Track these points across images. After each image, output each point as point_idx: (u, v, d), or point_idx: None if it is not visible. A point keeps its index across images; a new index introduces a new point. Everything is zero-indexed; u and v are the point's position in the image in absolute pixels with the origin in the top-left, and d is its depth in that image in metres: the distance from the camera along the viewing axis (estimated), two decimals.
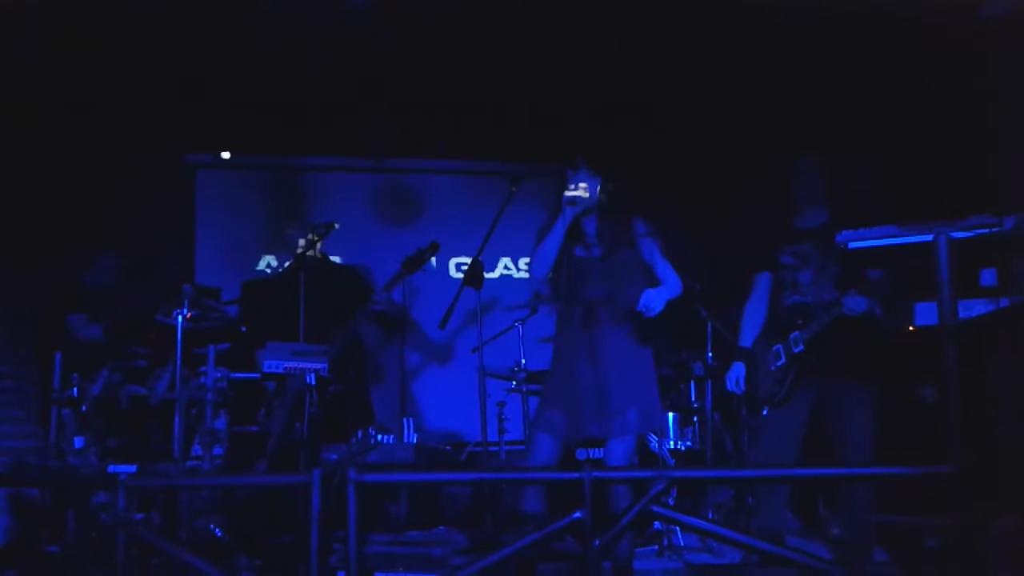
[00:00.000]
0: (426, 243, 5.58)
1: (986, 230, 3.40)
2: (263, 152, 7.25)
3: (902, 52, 5.31)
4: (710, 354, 5.80)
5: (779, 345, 4.47)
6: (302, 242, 5.56)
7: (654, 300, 4.07)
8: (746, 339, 4.63)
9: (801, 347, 4.39)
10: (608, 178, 4.19)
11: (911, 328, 4.81)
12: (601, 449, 4.54)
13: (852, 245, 3.64)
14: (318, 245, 5.65)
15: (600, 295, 4.13)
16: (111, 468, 4.60)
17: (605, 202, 4.18)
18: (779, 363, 4.48)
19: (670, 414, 5.84)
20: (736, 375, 4.55)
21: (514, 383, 5.82)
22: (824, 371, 4.40)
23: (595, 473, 3.22)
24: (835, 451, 4.41)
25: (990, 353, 3.62)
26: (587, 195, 4.10)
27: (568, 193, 4.09)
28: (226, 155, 7.13)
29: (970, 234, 3.40)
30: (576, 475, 3.21)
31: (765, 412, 4.51)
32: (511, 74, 6.06)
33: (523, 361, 5.79)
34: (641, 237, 4.21)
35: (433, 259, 5.90)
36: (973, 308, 3.68)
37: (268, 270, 7.12)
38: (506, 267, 7.40)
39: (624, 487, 3.92)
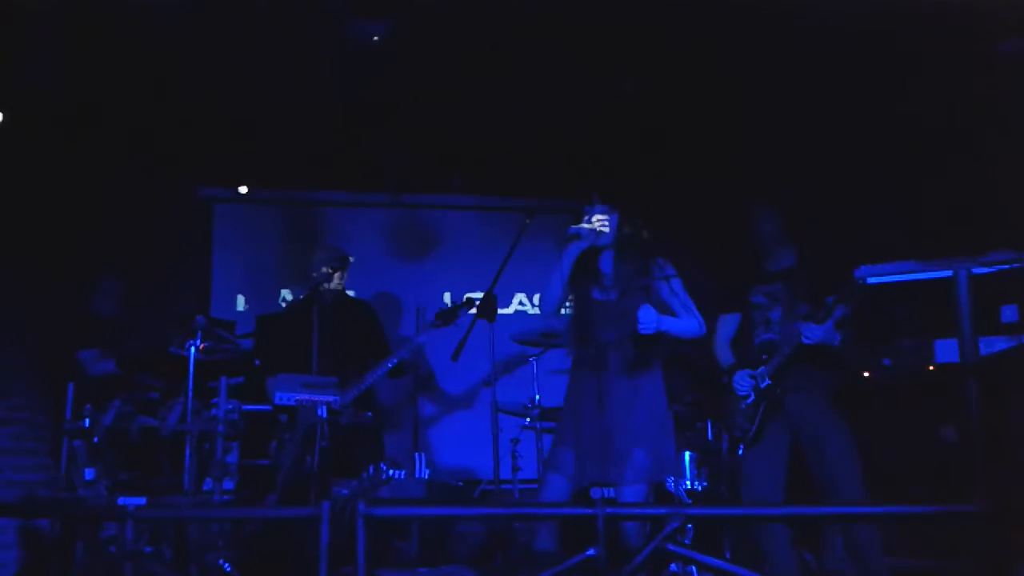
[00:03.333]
0: (461, 298, 5.56)
1: (1007, 266, 3.36)
2: (280, 187, 7.29)
3: (922, 84, 5.30)
4: None
5: (750, 381, 4.53)
6: (324, 271, 5.52)
7: (649, 320, 3.93)
8: (728, 359, 4.73)
9: (767, 381, 4.46)
10: (626, 214, 4.12)
11: (930, 367, 4.76)
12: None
13: (871, 280, 3.61)
14: (335, 277, 5.62)
15: (612, 338, 4.02)
16: (121, 500, 4.56)
17: (622, 241, 4.10)
18: (749, 400, 4.53)
19: (686, 453, 5.75)
20: (740, 380, 4.55)
21: (528, 420, 5.75)
22: (796, 409, 4.44)
23: (609, 509, 3.17)
24: (820, 493, 4.35)
25: (1012, 390, 3.56)
26: (597, 230, 4.01)
27: (573, 227, 4.00)
28: (243, 190, 7.16)
29: (991, 270, 3.35)
30: (590, 511, 3.16)
31: (740, 451, 4.55)
32: (526, 109, 6.07)
33: (537, 397, 5.73)
34: (659, 279, 4.09)
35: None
36: (994, 345, 3.62)
37: (283, 304, 7.11)
38: (521, 303, 7.38)
39: (637, 527, 3.84)
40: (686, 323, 4.09)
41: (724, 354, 4.77)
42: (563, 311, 4.22)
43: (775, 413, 4.48)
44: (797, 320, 4.49)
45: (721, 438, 5.62)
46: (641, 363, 4.01)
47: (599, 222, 4.01)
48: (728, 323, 4.79)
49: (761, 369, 4.50)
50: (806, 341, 4.31)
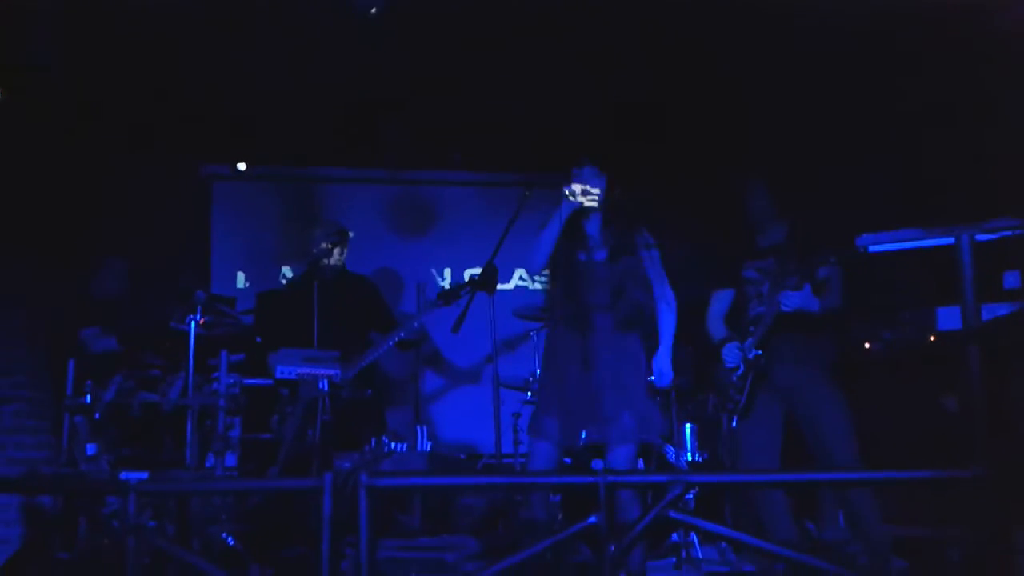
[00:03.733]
0: (463, 278, 5.53)
1: (1009, 232, 3.35)
2: (279, 164, 7.26)
3: (922, 56, 5.27)
4: None
5: (738, 353, 4.54)
6: (324, 246, 5.51)
7: (667, 368, 4.14)
8: (721, 333, 4.72)
9: (755, 352, 4.47)
10: (615, 180, 4.15)
11: (932, 337, 4.76)
12: None
13: (872, 249, 3.59)
14: (335, 252, 5.61)
15: (600, 301, 4.08)
16: (123, 475, 4.57)
17: (610, 205, 4.13)
18: (739, 372, 4.54)
19: (687, 425, 5.77)
20: (728, 352, 4.56)
21: (529, 394, 5.76)
22: (785, 379, 4.44)
23: (611, 477, 3.17)
24: (815, 462, 4.36)
25: (1014, 357, 3.56)
26: (589, 193, 4.04)
27: (568, 186, 4.03)
28: (242, 166, 7.13)
29: (993, 236, 3.34)
30: (591, 479, 3.16)
31: (734, 423, 4.58)
32: (526, 84, 6.04)
33: (538, 371, 5.72)
34: (645, 247, 4.17)
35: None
36: (996, 311, 3.62)
37: (283, 281, 7.11)
38: (521, 278, 7.36)
39: (632, 497, 3.85)
40: (667, 320, 4.21)
41: (717, 328, 4.78)
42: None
43: (764, 383, 4.49)
44: (785, 291, 4.51)
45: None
46: (626, 325, 4.06)
47: (589, 185, 4.04)
48: (722, 299, 4.80)
49: (748, 340, 4.51)
50: (785, 308, 4.35)
